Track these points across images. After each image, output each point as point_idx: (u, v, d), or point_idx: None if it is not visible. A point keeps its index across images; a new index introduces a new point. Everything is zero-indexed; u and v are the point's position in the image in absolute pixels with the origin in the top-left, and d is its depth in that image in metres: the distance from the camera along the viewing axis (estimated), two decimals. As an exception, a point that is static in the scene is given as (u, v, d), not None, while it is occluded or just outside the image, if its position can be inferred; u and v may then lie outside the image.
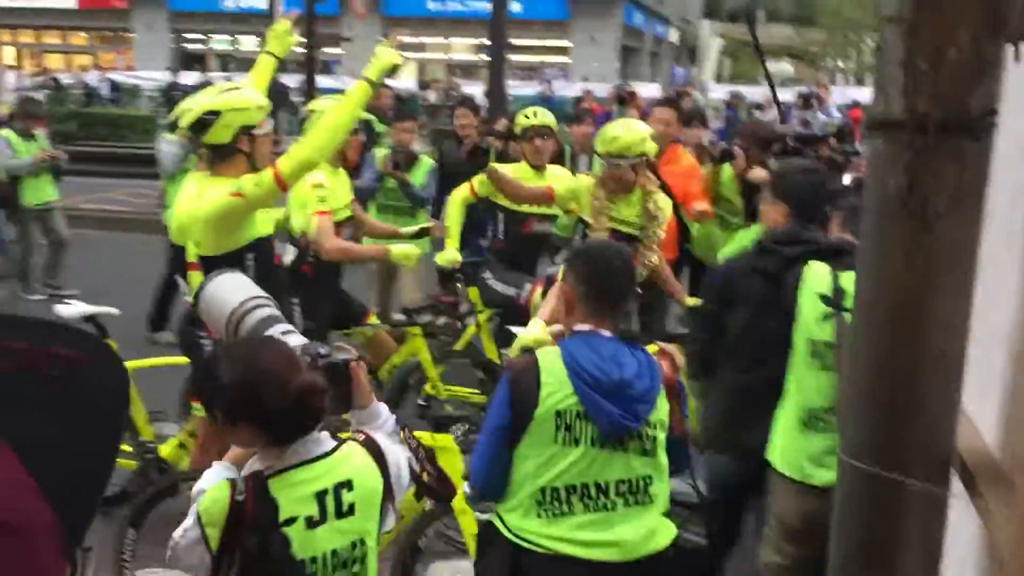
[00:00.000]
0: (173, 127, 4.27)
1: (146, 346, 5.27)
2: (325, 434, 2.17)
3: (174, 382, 4.53)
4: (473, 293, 5.21)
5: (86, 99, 24.39)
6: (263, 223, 3.62)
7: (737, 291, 3.29)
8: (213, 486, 2.09)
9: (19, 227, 8.09)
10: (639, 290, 4.68)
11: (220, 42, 36.08)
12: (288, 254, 4.50)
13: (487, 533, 2.64)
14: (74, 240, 8.50)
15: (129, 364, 4.31)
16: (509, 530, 2.51)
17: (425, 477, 2.52)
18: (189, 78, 25.12)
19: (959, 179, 1.27)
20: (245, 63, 33.65)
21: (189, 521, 2.06)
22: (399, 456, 2.31)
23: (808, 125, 13.70)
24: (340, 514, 2.11)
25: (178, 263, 4.10)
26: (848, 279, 2.73)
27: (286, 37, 4.33)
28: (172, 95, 14.88)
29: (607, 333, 2.55)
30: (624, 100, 9.83)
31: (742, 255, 3.55)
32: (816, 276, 3.01)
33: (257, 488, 2.04)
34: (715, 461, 3.57)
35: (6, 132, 7.95)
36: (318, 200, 4.48)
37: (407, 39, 31.93)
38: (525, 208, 5.20)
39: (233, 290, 2.53)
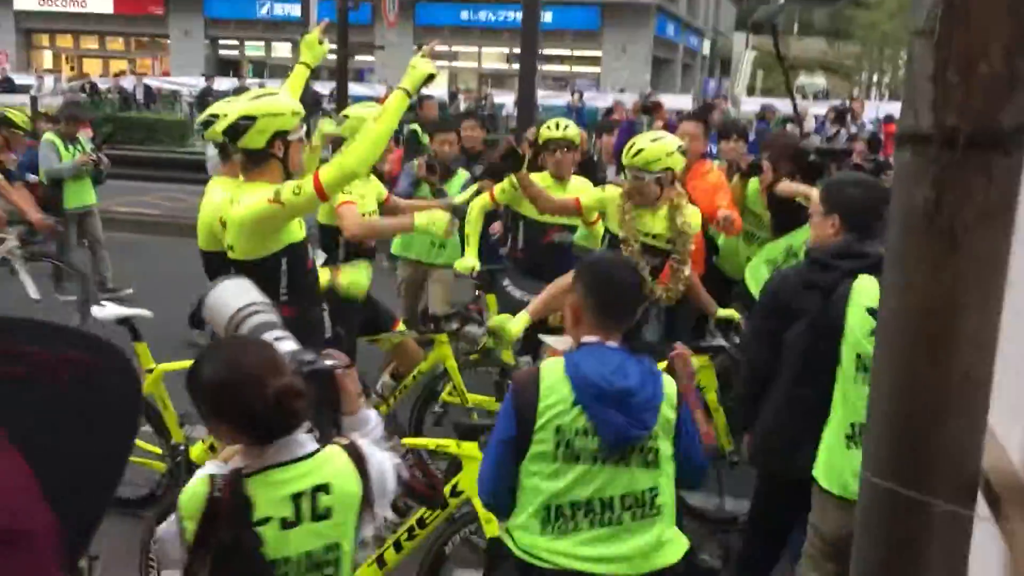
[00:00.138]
0: (203, 128, 4.34)
1: (179, 348, 5.32)
2: (307, 436, 2.20)
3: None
4: (491, 300, 5.21)
5: (122, 103, 24.74)
6: (298, 228, 3.64)
7: (792, 306, 3.25)
8: (194, 480, 2.13)
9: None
10: (671, 304, 4.69)
11: (254, 48, 36.49)
12: (318, 259, 4.52)
13: (496, 549, 2.64)
14: (108, 243, 8.61)
15: (161, 367, 4.35)
16: (517, 546, 2.50)
17: (415, 483, 2.54)
18: (223, 84, 25.44)
19: (987, 195, 1.24)
20: (278, 69, 34.05)
21: (173, 515, 2.11)
22: (383, 462, 2.33)
23: (832, 140, 13.59)
24: (316, 517, 2.13)
25: (210, 268, 4.14)
26: None
27: (316, 46, 4.38)
28: (206, 100, 15.05)
29: (614, 344, 2.55)
30: (649, 110, 9.79)
31: (794, 269, 3.49)
32: (865, 290, 2.98)
33: (234, 485, 2.07)
34: (765, 478, 3.54)
35: (51, 136, 8.07)
36: (341, 193, 4.48)
37: (439, 48, 32.12)
38: (547, 218, 5.20)
39: (235, 295, 2.59)
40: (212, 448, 4.24)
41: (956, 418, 1.30)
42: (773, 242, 5.14)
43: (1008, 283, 1.29)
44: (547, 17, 26.98)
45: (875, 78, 44.70)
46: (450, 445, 3.60)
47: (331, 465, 2.19)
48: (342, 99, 14.28)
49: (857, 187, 3.34)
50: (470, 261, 5.18)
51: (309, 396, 2.16)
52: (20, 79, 26.13)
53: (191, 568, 2.04)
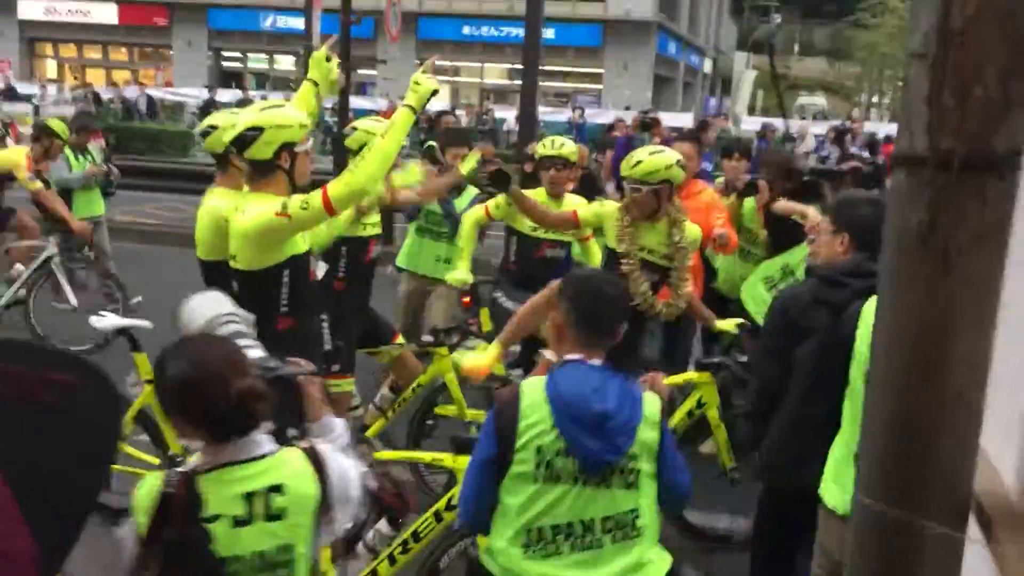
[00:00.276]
0: (203, 138, 4.36)
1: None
2: (265, 437, 2.21)
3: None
4: (484, 314, 5.22)
5: (124, 113, 24.80)
6: (301, 241, 3.65)
7: (801, 324, 3.24)
8: (150, 476, 2.15)
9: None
10: (671, 320, 4.69)
11: (257, 61, 36.60)
12: (319, 270, 4.53)
13: (477, 572, 2.62)
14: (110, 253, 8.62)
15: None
16: (499, 567, 2.49)
17: (382, 493, 2.56)
18: (226, 95, 25.52)
19: (981, 218, 1.25)
20: (281, 81, 34.17)
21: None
22: (347, 469, 2.34)
23: (826, 160, 13.65)
24: (269, 517, 2.14)
25: (210, 278, 4.15)
26: None
27: (324, 63, 4.40)
28: (209, 112, 15.09)
29: (597, 362, 2.53)
30: (648, 126, 9.84)
31: (803, 287, 3.48)
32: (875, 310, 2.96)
33: (187, 482, 2.09)
34: (770, 493, 3.52)
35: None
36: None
37: (441, 63, 32.22)
38: (540, 233, 5.22)
39: (210, 306, 2.63)
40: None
41: (948, 439, 1.30)
42: (769, 260, 5.15)
43: (1001, 305, 1.29)
44: (549, 33, 27.10)
45: (875, 99, 44.87)
46: (445, 459, 3.60)
47: (287, 467, 2.20)
48: (344, 112, 14.33)
49: (867, 206, 3.32)
50: (462, 274, 5.21)
51: (271, 400, 2.18)
52: (23, 88, 26.22)
53: (143, 562, 2.05)
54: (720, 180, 6.27)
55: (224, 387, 2.06)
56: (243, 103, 17.83)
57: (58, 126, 7.83)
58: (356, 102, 19.61)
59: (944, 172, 1.26)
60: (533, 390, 2.49)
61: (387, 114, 12.69)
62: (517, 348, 4.60)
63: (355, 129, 4.94)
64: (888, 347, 1.36)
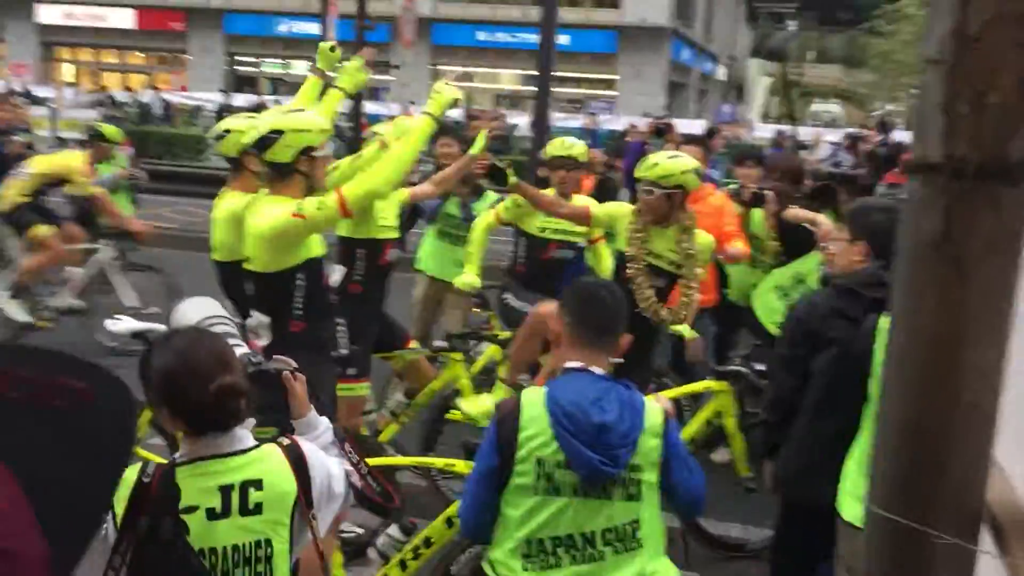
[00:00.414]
0: (216, 141, 4.39)
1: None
2: (245, 432, 2.22)
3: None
4: (492, 318, 5.21)
5: (140, 117, 24.93)
6: (317, 245, 3.67)
7: (820, 333, 3.20)
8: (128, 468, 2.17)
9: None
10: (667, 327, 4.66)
11: (272, 65, 36.73)
12: (336, 274, 4.54)
13: None
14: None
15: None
16: None
17: (367, 491, 2.56)
18: (241, 100, 25.63)
19: (996, 225, 1.24)
20: (295, 87, 34.21)
21: None
22: (331, 467, 2.35)
23: (840, 165, 13.57)
24: (245, 511, 2.15)
25: (225, 281, 4.16)
26: None
27: (358, 74, 4.46)
28: (224, 116, 15.16)
29: (599, 371, 2.50)
30: (662, 132, 9.80)
31: (820, 295, 3.43)
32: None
33: (163, 472, 2.11)
34: (788, 507, 3.49)
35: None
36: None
37: (454, 68, 32.26)
38: (547, 234, 5.21)
39: (199, 309, 2.69)
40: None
41: (961, 449, 1.29)
42: (781, 269, 5.12)
43: (1015, 313, 1.28)
44: (563, 40, 27.06)
45: (889, 107, 44.70)
46: (457, 464, 3.59)
47: (265, 462, 2.20)
48: (357, 118, 14.37)
49: (883, 213, 3.26)
50: (470, 278, 5.20)
51: (253, 397, 2.20)
52: (41, 91, 26.39)
53: (118, 551, 2.06)
54: (732, 187, 6.23)
55: (205, 381, 2.09)
56: (258, 108, 17.91)
57: (109, 130, 7.84)
58: (370, 107, 19.66)
59: (959, 180, 1.26)
60: (533, 401, 2.46)
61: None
62: (525, 377, 4.58)
63: (376, 135, 4.97)
64: (901, 355, 1.35)
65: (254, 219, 3.57)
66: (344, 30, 15.66)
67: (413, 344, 5.13)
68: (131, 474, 2.11)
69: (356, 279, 4.64)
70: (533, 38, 12.27)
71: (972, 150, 1.25)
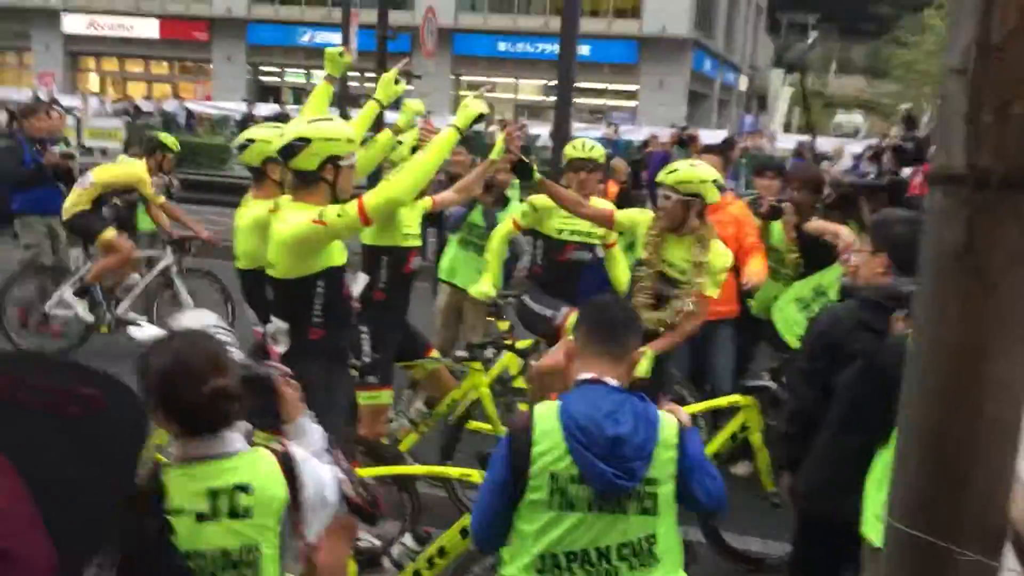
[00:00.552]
0: (239, 151, 4.42)
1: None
2: (237, 435, 2.22)
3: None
4: (503, 326, 5.19)
5: (163, 126, 25.14)
6: (339, 253, 3.68)
7: (843, 347, 3.14)
8: None
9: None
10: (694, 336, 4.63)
11: (294, 75, 36.99)
12: (359, 283, 4.55)
13: None
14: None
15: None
16: None
17: (356, 497, 2.56)
18: (264, 109, 25.80)
19: (1019, 236, 1.22)
20: (318, 97, 34.39)
21: None
22: (322, 473, 2.34)
23: (863, 175, 13.47)
24: (233, 515, 2.15)
25: (248, 289, 4.19)
26: None
27: (391, 86, 4.60)
28: (247, 125, 15.25)
29: (613, 382, 2.47)
30: (685, 143, 9.78)
31: (844, 308, 3.37)
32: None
33: (152, 473, 2.12)
34: (807, 523, 3.44)
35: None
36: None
37: (474, 78, 32.33)
38: (565, 236, 5.20)
39: (195, 321, 2.68)
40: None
41: (983, 464, 1.27)
42: (802, 281, 5.07)
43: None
44: (585, 50, 27.09)
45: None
46: (473, 474, 3.58)
47: (256, 467, 2.19)
48: (378, 127, 14.41)
49: (905, 224, 3.22)
50: (485, 287, 5.19)
51: (245, 402, 2.20)
52: (66, 100, 26.68)
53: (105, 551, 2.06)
54: (750, 198, 6.19)
55: (199, 384, 2.10)
56: (280, 117, 18.02)
57: (169, 139, 7.92)
58: (390, 116, 19.72)
59: (982, 190, 1.24)
60: (546, 416, 2.43)
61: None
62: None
63: (401, 144, 4.99)
64: (922, 368, 1.34)
65: (277, 225, 3.60)
66: (366, 40, 15.74)
67: (434, 353, 5.13)
68: None
69: (380, 287, 4.65)
70: (554, 48, 12.28)
71: (996, 160, 1.23)
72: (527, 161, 4.62)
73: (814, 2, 43.43)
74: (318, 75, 4.88)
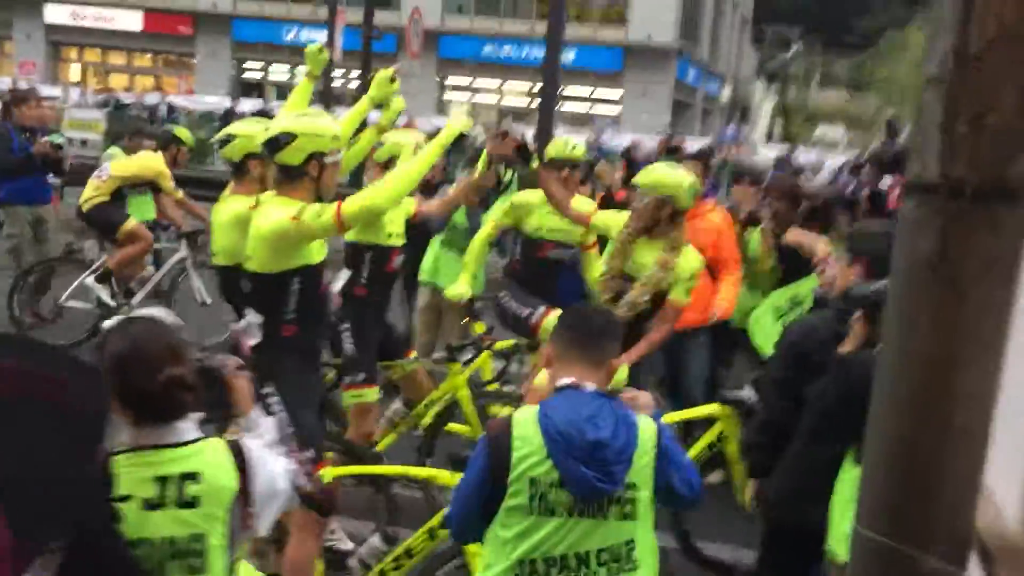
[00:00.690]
0: (221, 146, 4.39)
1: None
2: (189, 425, 2.22)
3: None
4: (479, 328, 5.19)
5: (145, 119, 24.95)
6: (317, 251, 3.67)
7: (815, 358, 3.17)
8: None
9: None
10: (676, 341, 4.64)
11: (278, 72, 36.84)
12: (340, 279, 4.54)
13: None
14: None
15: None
16: None
17: (310, 491, 2.56)
18: (247, 105, 25.66)
19: (992, 247, 1.22)
20: (301, 94, 34.24)
21: None
22: (273, 466, 2.35)
23: (844, 188, 13.55)
24: (181, 503, 2.15)
25: (225, 285, 4.16)
26: None
27: (386, 84, 4.67)
28: (229, 121, 15.16)
29: (591, 387, 2.47)
30: (673, 151, 9.79)
31: (821, 319, 3.38)
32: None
33: (102, 459, 2.09)
34: (773, 531, 3.44)
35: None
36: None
37: (459, 81, 32.29)
38: (543, 234, 5.22)
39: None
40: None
41: (951, 473, 1.27)
42: (779, 290, 5.09)
43: (1009, 338, 1.26)
44: (570, 56, 27.16)
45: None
46: (441, 476, 3.57)
47: (206, 456, 2.20)
48: (362, 126, 14.36)
49: (882, 236, 3.23)
50: (461, 288, 5.19)
51: (199, 392, 2.20)
52: (47, 90, 26.43)
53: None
54: (728, 205, 6.21)
55: (154, 371, 2.09)
56: (262, 114, 17.91)
57: (184, 134, 7.87)
58: (375, 117, 19.65)
59: (956, 200, 1.24)
60: (525, 421, 2.43)
61: (406, 127, 12.68)
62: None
63: (384, 143, 5.00)
64: (893, 377, 1.34)
65: (258, 219, 3.60)
66: (351, 39, 15.71)
67: (412, 355, 5.12)
68: None
69: (362, 283, 4.65)
70: (539, 53, 12.29)
71: (970, 171, 1.23)
72: (528, 147, 4.66)
73: (798, 14, 43.74)
74: (302, 72, 4.86)
